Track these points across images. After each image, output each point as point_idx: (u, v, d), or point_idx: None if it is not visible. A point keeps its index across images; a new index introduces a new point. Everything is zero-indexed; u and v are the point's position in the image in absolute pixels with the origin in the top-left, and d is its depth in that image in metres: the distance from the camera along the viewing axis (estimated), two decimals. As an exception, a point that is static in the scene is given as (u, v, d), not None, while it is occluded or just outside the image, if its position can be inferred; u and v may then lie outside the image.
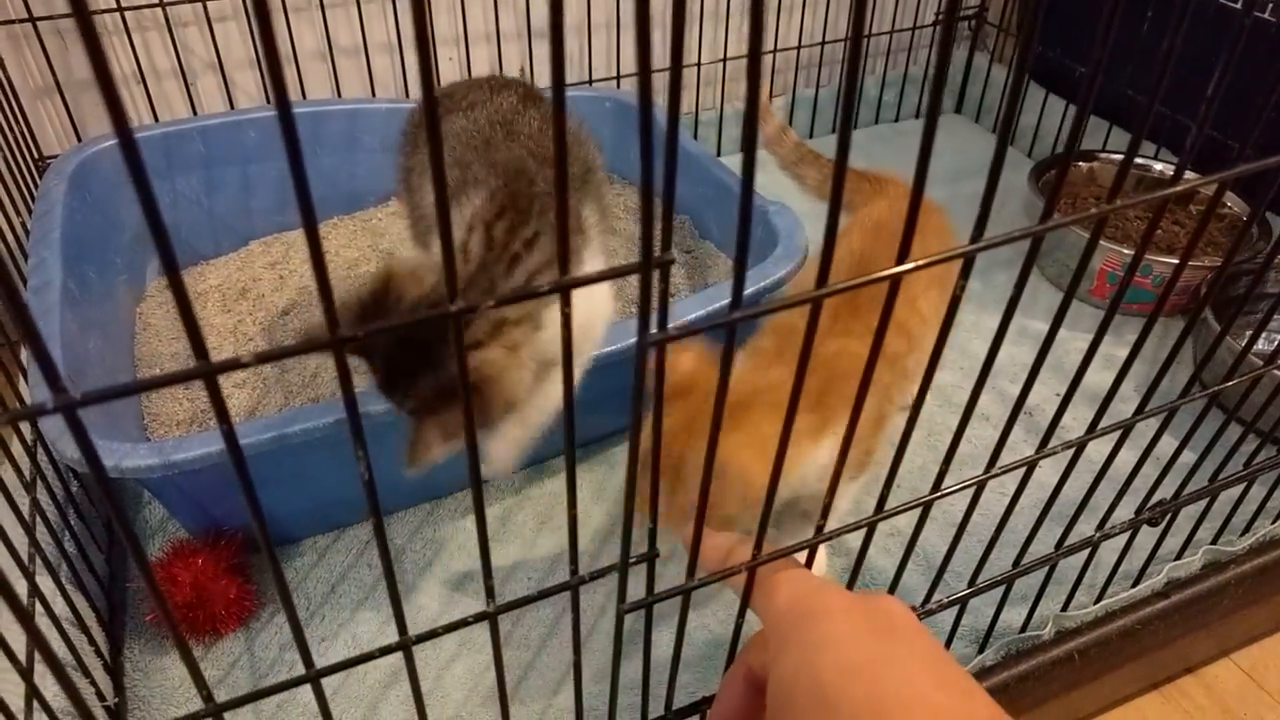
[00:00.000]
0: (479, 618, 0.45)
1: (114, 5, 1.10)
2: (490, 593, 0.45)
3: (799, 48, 1.52)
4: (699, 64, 1.46)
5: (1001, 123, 0.35)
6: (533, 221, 0.69)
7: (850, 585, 0.57)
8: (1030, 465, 0.58)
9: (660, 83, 1.46)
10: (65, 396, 0.30)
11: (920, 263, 0.39)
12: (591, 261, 0.77)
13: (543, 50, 1.38)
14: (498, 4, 1.31)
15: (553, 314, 0.68)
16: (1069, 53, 1.52)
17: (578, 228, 0.74)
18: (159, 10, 1.14)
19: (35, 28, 1.08)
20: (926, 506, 0.55)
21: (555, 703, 0.78)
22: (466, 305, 0.34)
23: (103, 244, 1.05)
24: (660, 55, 1.43)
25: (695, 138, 1.48)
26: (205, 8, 1.15)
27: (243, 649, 0.82)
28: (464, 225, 0.69)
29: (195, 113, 1.22)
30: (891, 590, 0.61)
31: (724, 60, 1.51)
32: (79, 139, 1.17)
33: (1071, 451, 0.59)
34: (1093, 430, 0.59)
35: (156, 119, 1.21)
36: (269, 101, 1.25)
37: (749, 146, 0.32)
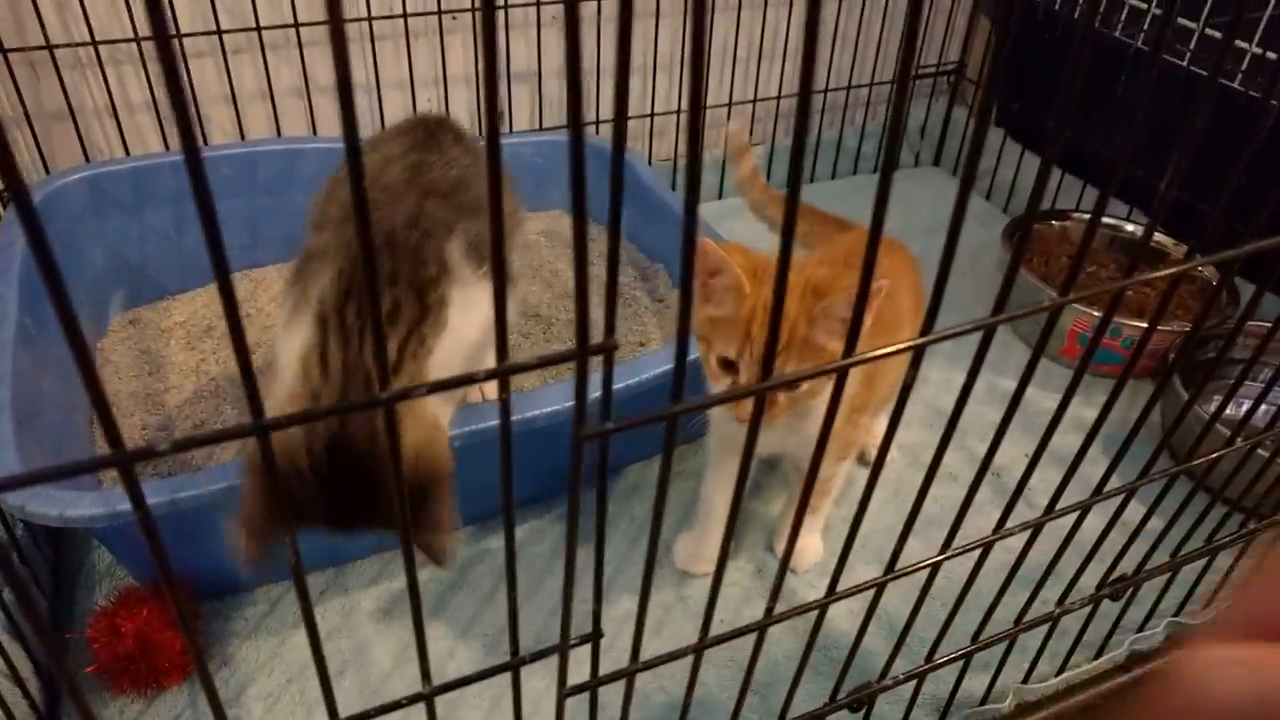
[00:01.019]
0: (413, 699, 0.43)
1: (88, 39, 1.10)
2: (426, 675, 0.43)
3: (779, 98, 1.53)
4: (679, 111, 1.47)
5: (961, 179, 0.34)
6: (385, 291, 0.69)
7: (807, 653, 0.56)
8: (988, 545, 0.57)
9: (638, 128, 1.46)
10: (-36, 487, 0.28)
11: (874, 354, 0.39)
12: (460, 299, 0.74)
13: (521, 93, 1.39)
14: (477, 47, 1.31)
15: (442, 342, 0.70)
16: (1046, 109, 1.54)
17: (443, 269, 0.73)
18: (133, 45, 1.13)
19: (5, 58, 1.07)
20: (881, 586, 0.54)
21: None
22: (398, 391, 0.33)
23: (67, 279, 1.04)
24: (637, 101, 1.44)
25: (674, 187, 1.48)
26: (181, 43, 1.14)
27: (186, 703, 0.79)
28: (314, 319, 0.68)
29: (167, 147, 1.21)
30: (851, 656, 0.60)
31: (701, 108, 1.51)
32: (47, 171, 1.15)
33: (1037, 521, 0.58)
34: (1054, 506, 0.58)
35: (128, 152, 1.20)
36: (242, 138, 1.24)
37: (690, 207, 0.32)
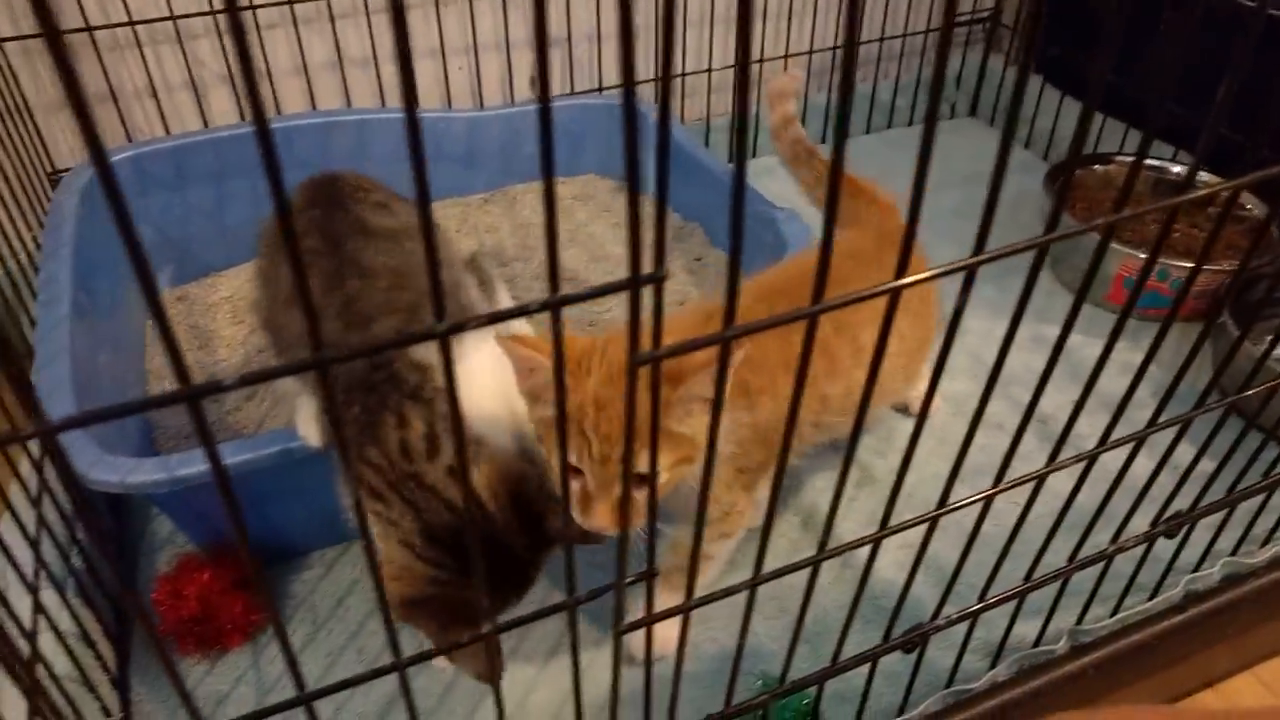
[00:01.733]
0: (474, 639, 0.44)
1: (125, 19, 1.11)
2: (488, 615, 0.44)
3: (810, 53, 1.51)
4: (709, 70, 1.46)
5: (1005, 124, 0.34)
6: (390, 397, 0.67)
7: (855, 604, 0.56)
8: (1041, 478, 0.57)
9: (673, 89, 1.45)
10: (43, 423, 0.29)
11: (919, 277, 0.38)
12: (474, 340, 0.73)
13: (552, 57, 1.38)
14: (507, 13, 1.31)
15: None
16: (1084, 54, 1.50)
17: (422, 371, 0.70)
18: (170, 24, 1.14)
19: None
20: (933, 521, 0.54)
21: (564, 716, 0.78)
22: (453, 324, 0.33)
23: (114, 257, 1.06)
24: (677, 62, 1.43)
25: (707, 144, 1.47)
26: (215, 20, 1.15)
27: (249, 664, 0.82)
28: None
29: (206, 125, 1.23)
30: (902, 599, 0.60)
31: (737, 65, 1.50)
32: (91, 152, 1.17)
33: (1089, 460, 0.58)
34: (1106, 440, 0.57)
35: (168, 131, 1.21)
36: (279, 113, 1.25)
37: (739, 156, 0.32)
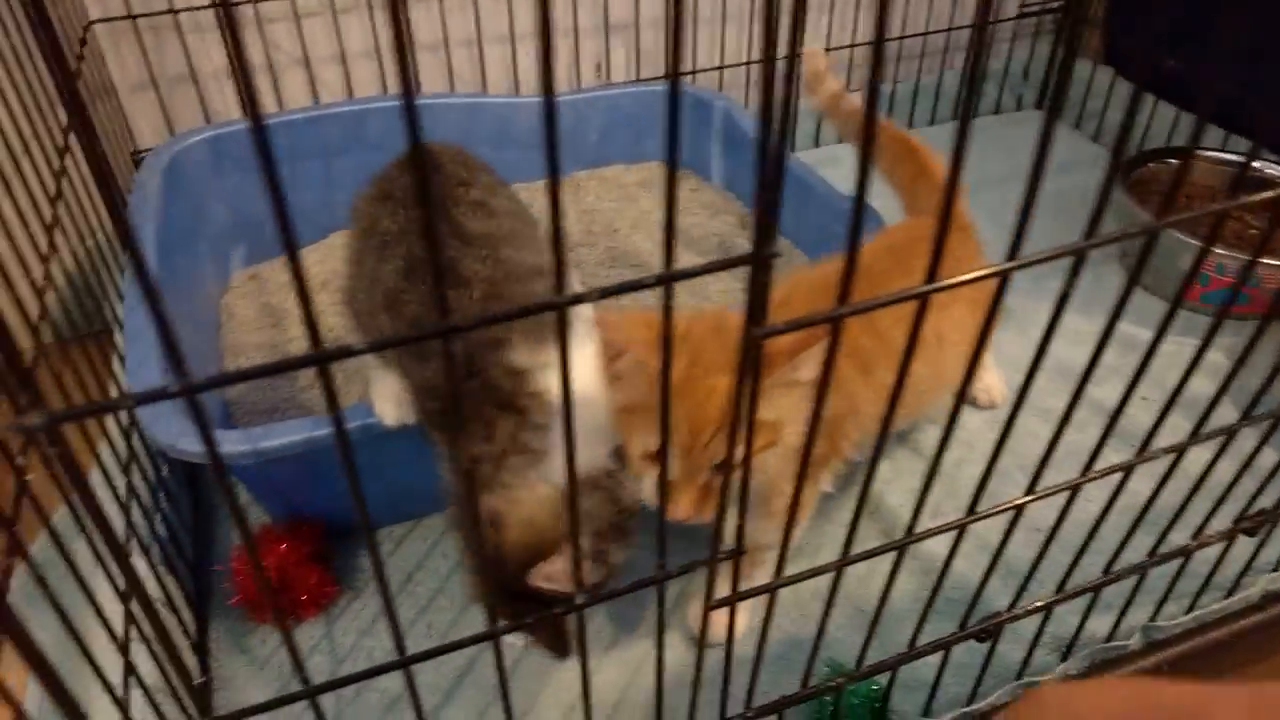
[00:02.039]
0: (565, 610, 0.45)
1: (210, 1, 1.14)
2: (580, 586, 0.45)
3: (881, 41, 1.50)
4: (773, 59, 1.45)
5: (1116, 141, 0.33)
6: (483, 406, 0.66)
7: (934, 594, 0.56)
8: (1128, 470, 0.56)
9: (736, 77, 1.45)
10: (187, 381, 0.30)
11: (992, 270, 0.38)
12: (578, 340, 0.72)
13: (619, 44, 1.39)
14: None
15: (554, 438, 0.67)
16: (1161, 45, 1.47)
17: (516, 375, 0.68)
18: (250, 7, 1.17)
19: (134, 24, 1.11)
20: (1019, 509, 0.54)
21: (629, 697, 0.78)
22: (574, 296, 0.34)
23: (192, 236, 1.09)
24: (734, 50, 1.42)
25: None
26: (293, 4, 1.17)
27: (322, 634, 0.83)
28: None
29: (280, 107, 1.25)
30: (977, 595, 0.60)
31: (793, 55, 1.50)
32: (171, 133, 1.20)
33: (1167, 459, 0.57)
34: (1198, 431, 0.57)
35: (244, 114, 1.24)
36: (351, 95, 1.27)
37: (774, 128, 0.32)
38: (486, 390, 0.66)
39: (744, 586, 0.47)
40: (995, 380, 1.05)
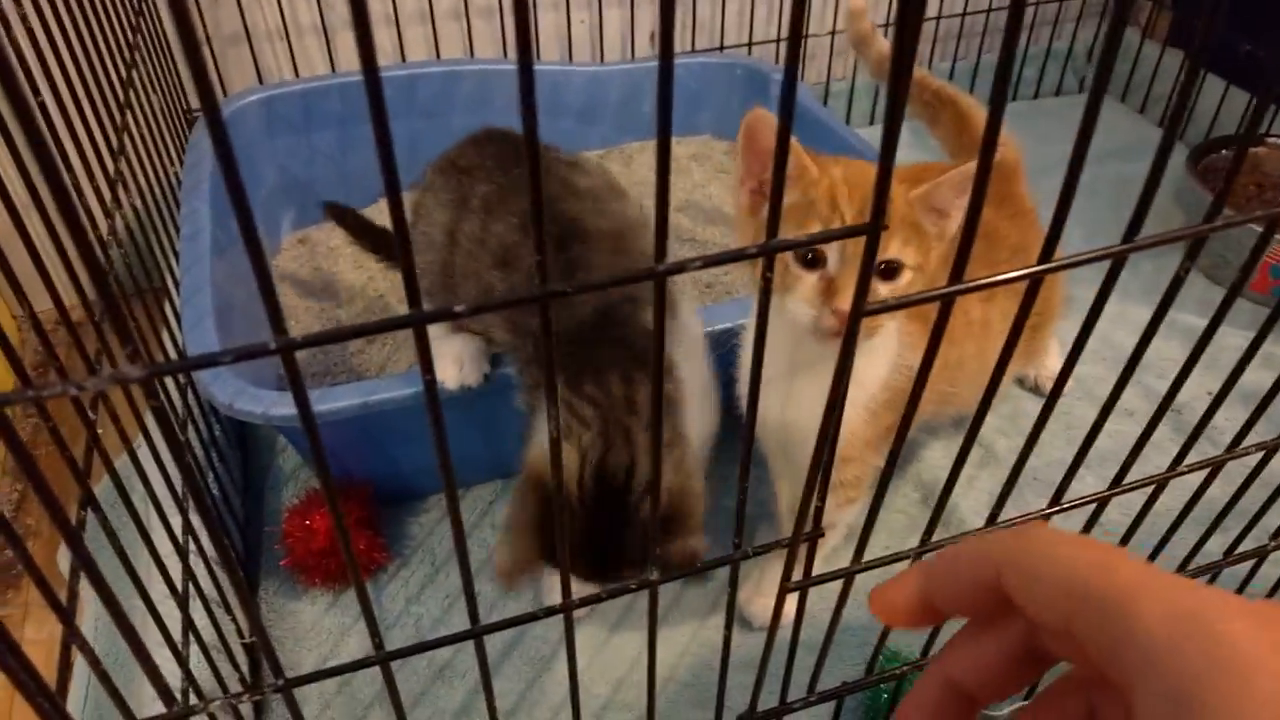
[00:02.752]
0: (641, 585, 0.44)
1: (262, -39, 1.13)
2: (651, 564, 0.44)
3: (937, 18, 1.46)
4: (833, 32, 1.42)
5: (1170, 117, 0.31)
6: (620, 358, 0.65)
7: None
8: (1161, 483, 0.53)
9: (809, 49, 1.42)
10: (285, 339, 0.29)
11: (1063, 263, 0.36)
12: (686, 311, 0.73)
13: (675, 15, 1.36)
14: (632, -33, 1.30)
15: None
16: (1231, 28, 1.42)
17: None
18: (304, -33, 1.16)
19: (189, -18, 1.10)
20: (1101, 504, 0.52)
21: (676, 675, 0.78)
22: (673, 265, 0.32)
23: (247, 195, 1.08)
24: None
25: (825, 105, 1.44)
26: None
27: (371, 599, 0.83)
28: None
29: (334, 69, 1.24)
30: None
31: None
32: (224, 93, 1.20)
33: (1243, 457, 0.54)
34: (1242, 438, 0.54)
35: (297, 74, 1.23)
36: (404, 59, 1.26)
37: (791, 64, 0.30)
38: (625, 344, 0.66)
39: (798, 568, 0.46)
40: (1059, 367, 1.02)
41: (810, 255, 0.60)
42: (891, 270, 0.60)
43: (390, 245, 0.96)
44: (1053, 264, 0.34)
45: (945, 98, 0.94)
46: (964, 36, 1.50)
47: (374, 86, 0.25)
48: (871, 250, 0.31)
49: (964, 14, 1.47)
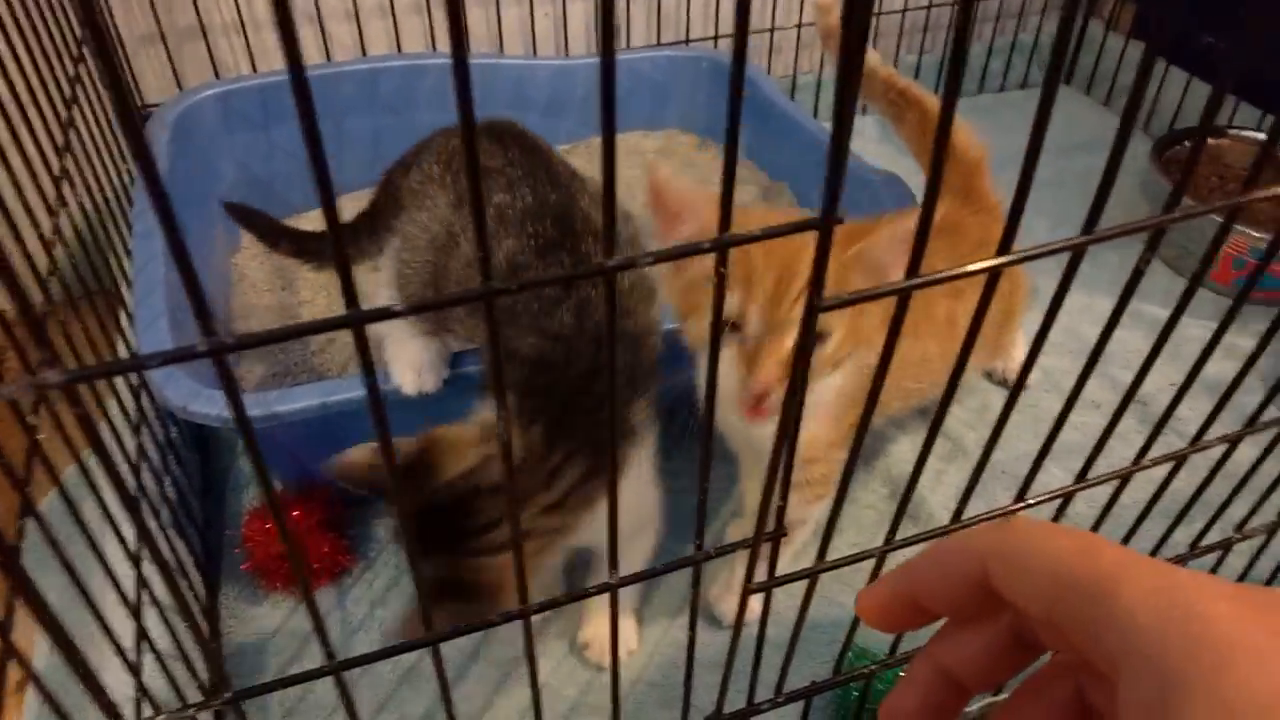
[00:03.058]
0: (600, 589, 0.43)
1: (217, -47, 1.10)
2: (614, 565, 0.43)
3: (904, 11, 1.46)
4: (800, 25, 1.41)
5: (1126, 108, 0.30)
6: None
7: None
8: (1126, 477, 0.53)
9: (759, 44, 1.42)
10: (216, 340, 0.28)
11: (1024, 255, 0.35)
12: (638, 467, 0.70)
13: (639, 8, 1.35)
14: (596, -41, 1.28)
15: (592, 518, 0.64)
16: (1196, 22, 1.43)
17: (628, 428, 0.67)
18: (261, -41, 1.13)
19: (142, -25, 1.08)
20: (1067, 499, 0.52)
21: (643, 677, 0.77)
22: (623, 260, 0.32)
23: (201, 194, 1.06)
24: (758, 16, 1.39)
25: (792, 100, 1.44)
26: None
27: (333, 604, 0.82)
28: None
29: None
30: None
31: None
32: (179, 88, 1.17)
33: (1196, 452, 0.54)
34: (1203, 433, 0.54)
35: (255, 69, 1.21)
36: (364, 54, 1.24)
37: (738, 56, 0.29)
38: (640, 337, 0.65)
39: (762, 566, 0.45)
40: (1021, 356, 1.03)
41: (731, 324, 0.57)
42: (820, 337, 0.57)
43: (311, 250, 0.92)
44: (1011, 257, 0.33)
45: (911, 98, 0.94)
46: (929, 30, 1.50)
47: (300, 84, 0.24)
48: (810, 329, 0.31)
49: (929, 6, 1.47)
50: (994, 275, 0.34)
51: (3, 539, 0.32)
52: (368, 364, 0.31)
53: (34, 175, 0.65)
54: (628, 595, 0.80)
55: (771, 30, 1.41)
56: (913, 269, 0.32)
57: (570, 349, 0.64)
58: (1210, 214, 0.39)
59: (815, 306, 0.31)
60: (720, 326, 0.33)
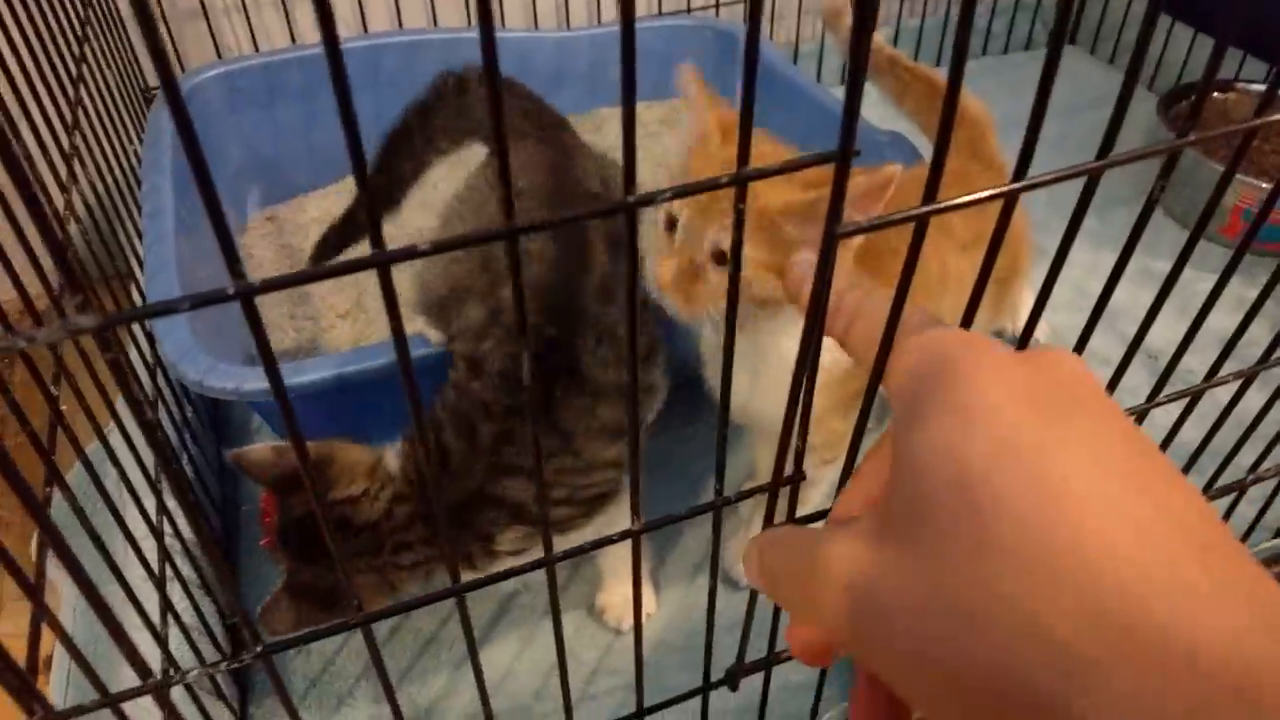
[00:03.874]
0: (624, 535, 0.43)
1: (216, -67, 1.10)
2: (636, 511, 0.43)
3: (904, -25, 1.45)
4: (800, -8, 1.41)
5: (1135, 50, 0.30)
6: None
7: None
8: (1140, 415, 0.53)
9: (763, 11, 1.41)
10: (243, 283, 0.28)
11: (1039, 179, 0.35)
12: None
13: (639, -22, 1.34)
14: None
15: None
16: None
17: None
18: (259, -62, 1.13)
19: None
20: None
21: (666, 640, 0.78)
22: (642, 196, 0.32)
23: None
24: (761, -17, 1.38)
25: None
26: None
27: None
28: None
29: (294, 42, 1.22)
30: None
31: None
32: (181, 69, 1.17)
33: (1192, 398, 0.54)
34: (1213, 374, 0.54)
35: (257, 49, 1.21)
36: (365, 30, 1.24)
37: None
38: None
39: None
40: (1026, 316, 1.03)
41: (670, 221, 0.60)
42: (723, 257, 0.58)
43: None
44: (1027, 182, 0.33)
45: (918, 73, 0.93)
46: None
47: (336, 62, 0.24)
48: (829, 252, 0.31)
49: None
50: (1009, 202, 0.34)
51: (38, 503, 0.33)
52: (392, 304, 0.32)
53: (45, 151, 0.66)
54: (644, 559, 0.80)
55: (773, -2, 1.40)
56: (929, 196, 0.32)
57: (464, 461, 0.64)
58: (1208, 159, 0.39)
59: (834, 233, 0.32)
60: (738, 263, 0.34)
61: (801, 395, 0.38)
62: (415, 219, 1.06)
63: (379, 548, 0.62)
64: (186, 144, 0.25)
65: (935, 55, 1.51)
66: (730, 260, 0.33)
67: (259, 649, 0.41)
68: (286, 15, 1.20)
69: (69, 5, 0.85)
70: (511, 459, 0.62)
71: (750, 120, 0.32)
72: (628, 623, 0.80)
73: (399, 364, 0.33)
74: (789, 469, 0.43)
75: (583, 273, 0.69)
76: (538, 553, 0.63)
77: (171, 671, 0.44)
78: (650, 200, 0.32)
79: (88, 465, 0.52)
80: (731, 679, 0.54)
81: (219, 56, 1.18)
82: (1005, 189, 0.33)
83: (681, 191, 0.32)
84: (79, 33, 0.85)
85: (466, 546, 0.63)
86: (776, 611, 0.52)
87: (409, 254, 0.30)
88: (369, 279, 1.04)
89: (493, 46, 0.26)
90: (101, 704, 0.41)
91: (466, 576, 0.62)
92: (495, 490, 0.62)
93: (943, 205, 0.32)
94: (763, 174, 0.32)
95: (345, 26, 1.24)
